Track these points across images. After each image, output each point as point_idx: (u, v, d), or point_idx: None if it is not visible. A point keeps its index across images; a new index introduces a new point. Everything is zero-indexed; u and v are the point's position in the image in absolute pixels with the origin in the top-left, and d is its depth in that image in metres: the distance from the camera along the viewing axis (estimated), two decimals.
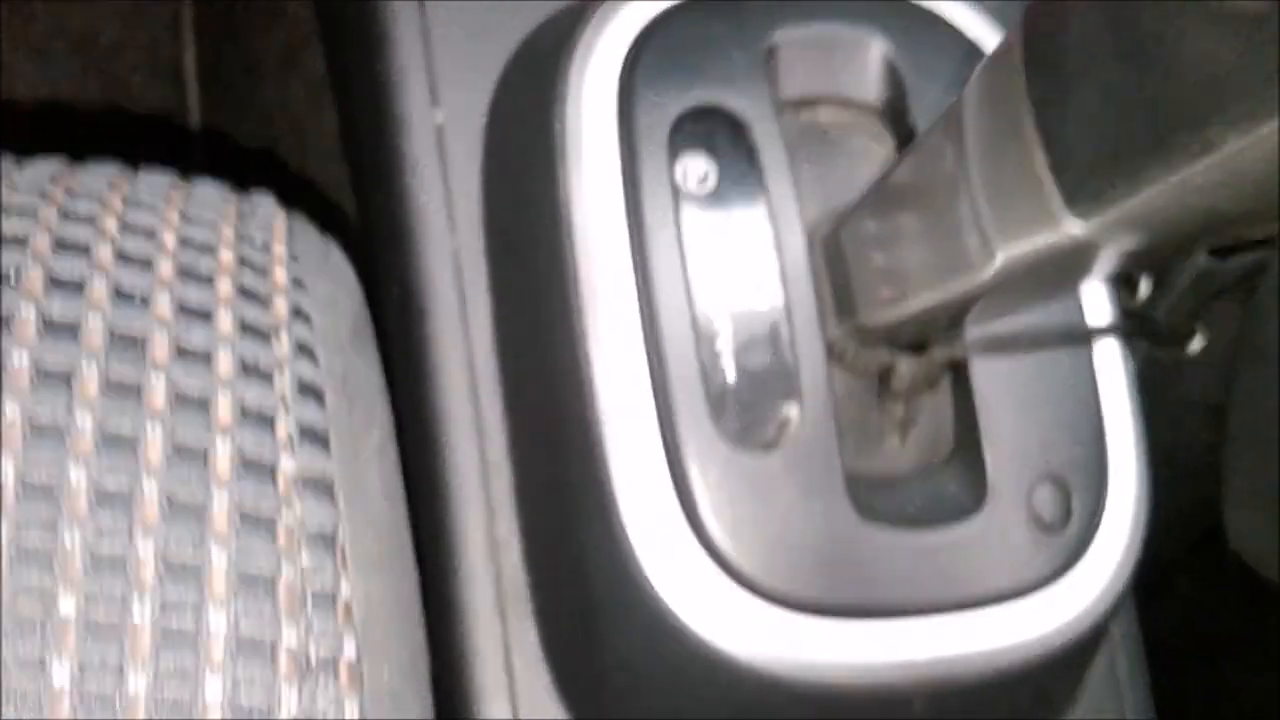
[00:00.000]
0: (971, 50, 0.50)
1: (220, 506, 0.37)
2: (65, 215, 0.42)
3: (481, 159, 0.53)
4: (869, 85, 0.50)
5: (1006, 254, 0.35)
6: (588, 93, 0.48)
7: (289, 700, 0.36)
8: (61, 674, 0.34)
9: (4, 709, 0.33)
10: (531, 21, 0.54)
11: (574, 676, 0.50)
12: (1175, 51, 0.26)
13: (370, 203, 0.60)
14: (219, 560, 0.36)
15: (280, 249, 0.46)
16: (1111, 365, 0.49)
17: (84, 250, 0.41)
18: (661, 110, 0.47)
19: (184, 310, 0.41)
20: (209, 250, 0.44)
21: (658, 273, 0.45)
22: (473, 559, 0.50)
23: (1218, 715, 0.75)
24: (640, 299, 0.46)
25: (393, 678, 0.40)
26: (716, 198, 0.47)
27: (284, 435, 0.40)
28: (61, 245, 0.41)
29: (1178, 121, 0.26)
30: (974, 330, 0.45)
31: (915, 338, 0.46)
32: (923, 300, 0.41)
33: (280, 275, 0.45)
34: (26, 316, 0.38)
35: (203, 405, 0.39)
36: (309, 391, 0.42)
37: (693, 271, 0.46)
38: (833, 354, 0.46)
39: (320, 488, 0.40)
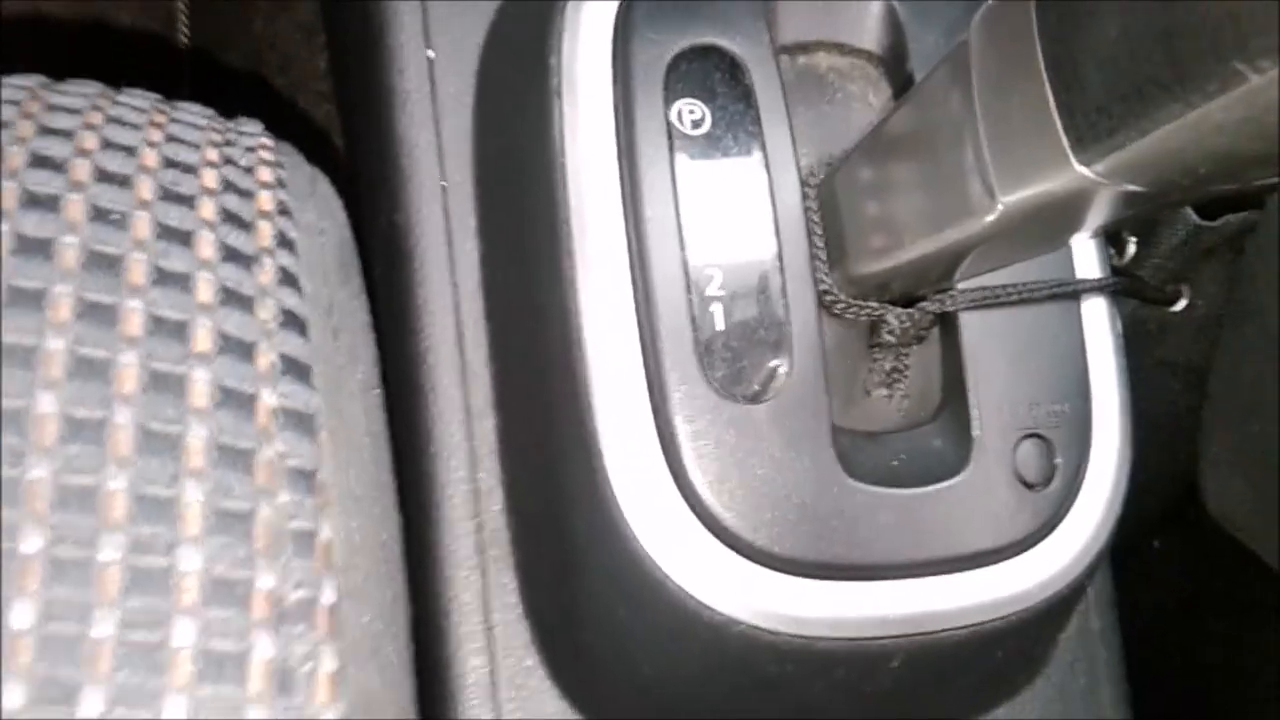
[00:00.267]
0: (972, 1, 0.50)
1: (196, 438, 0.35)
2: (42, 130, 0.40)
3: (473, 96, 0.53)
4: (868, 31, 0.50)
5: (1010, 200, 0.34)
6: (584, 28, 0.47)
7: (263, 645, 0.34)
8: (23, 615, 0.32)
9: None
10: None
11: (553, 629, 0.50)
12: None
13: (359, 141, 0.59)
14: (193, 495, 0.35)
15: (267, 174, 0.44)
16: (1098, 325, 0.50)
17: (60, 167, 0.39)
18: (658, 48, 0.46)
19: (164, 232, 0.39)
20: (192, 171, 0.41)
21: (649, 215, 0.45)
22: (454, 507, 0.50)
23: (1190, 674, 0.75)
24: (630, 241, 0.45)
25: (372, 624, 0.39)
26: (711, 140, 0.46)
27: (265, 366, 0.38)
28: (37, 160, 0.39)
29: (1199, 55, 0.26)
30: (963, 284, 0.45)
31: (906, 289, 0.46)
32: (919, 249, 0.41)
33: (266, 200, 0.43)
34: None
35: (180, 331, 0.37)
36: (293, 322, 0.40)
37: (685, 214, 0.45)
38: (823, 303, 0.46)
39: (302, 422, 0.38)
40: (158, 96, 0.48)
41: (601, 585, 0.47)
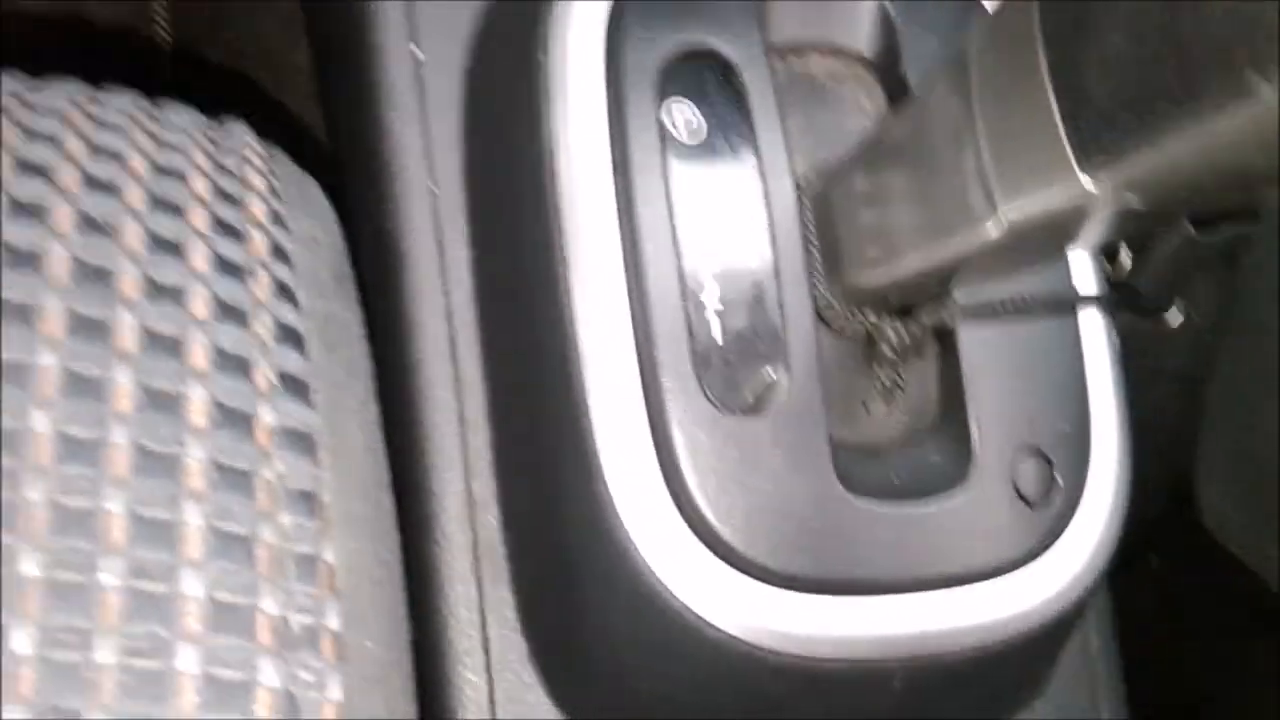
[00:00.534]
0: (968, 3, 0.50)
1: (195, 459, 0.34)
2: (27, 134, 0.39)
3: (462, 98, 0.52)
4: (861, 35, 0.50)
5: (1011, 209, 0.34)
6: (575, 29, 0.46)
7: (268, 674, 0.33)
8: (23, 641, 0.31)
9: None
10: None
11: (551, 644, 0.49)
12: None
13: (345, 143, 0.58)
14: (193, 517, 0.34)
15: (257, 180, 0.43)
16: (1096, 339, 0.49)
17: (47, 173, 0.38)
18: (651, 49, 0.46)
19: (155, 242, 0.38)
20: (180, 177, 0.40)
21: (644, 221, 0.44)
22: (449, 521, 0.49)
23: (1186, 690, 0.75)
24: (625, 247, 0.44)
25: (376, 650, 0.38)
26: (705, 146, 0.46)
27: (263, 383, 0.37)
28: (23, 167, 0.38)
29: (1209, 64, 0.25)
30: (961, 296, 0.45)
31: (903, 301, 0.46)
32: (916, 260, 0.40)
33: (258, 208, 0.42)
34: None
35: (176, 347, 0.36)
36: (289, 336, 0.39)
37: (679, 219, 0.45)
38: (819, 315, 0.46)
39: (301, 441, 0.37)
40: (139, 93, 0.46)
41: (598, 600, 0.47)
